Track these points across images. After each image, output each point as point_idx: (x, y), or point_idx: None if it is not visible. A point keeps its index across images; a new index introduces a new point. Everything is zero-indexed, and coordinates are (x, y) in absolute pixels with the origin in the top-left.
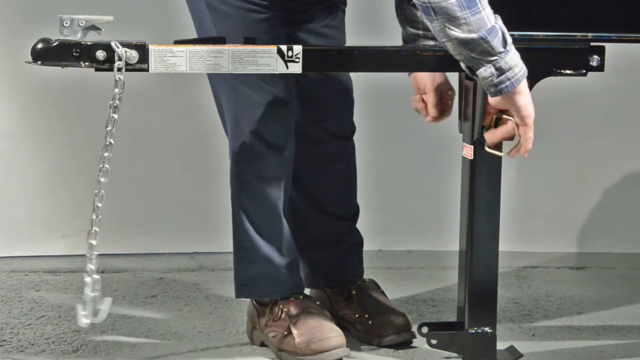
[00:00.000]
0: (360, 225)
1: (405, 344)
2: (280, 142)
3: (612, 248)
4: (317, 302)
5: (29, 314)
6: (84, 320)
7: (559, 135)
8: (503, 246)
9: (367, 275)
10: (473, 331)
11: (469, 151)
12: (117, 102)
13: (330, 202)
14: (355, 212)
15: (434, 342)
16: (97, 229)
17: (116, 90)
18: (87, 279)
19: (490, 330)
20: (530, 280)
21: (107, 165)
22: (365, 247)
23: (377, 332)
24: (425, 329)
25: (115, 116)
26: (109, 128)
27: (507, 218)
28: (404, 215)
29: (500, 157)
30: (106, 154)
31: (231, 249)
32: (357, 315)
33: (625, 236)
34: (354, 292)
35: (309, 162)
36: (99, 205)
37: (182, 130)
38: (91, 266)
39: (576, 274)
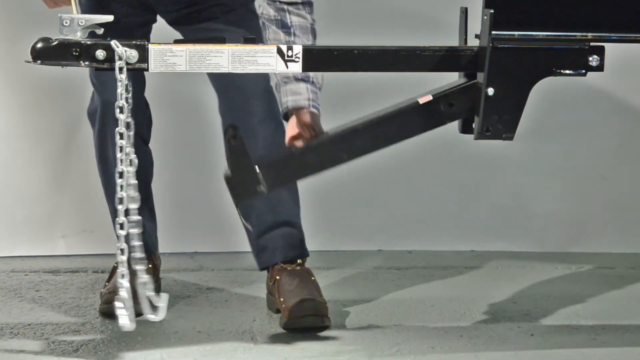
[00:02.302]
0: (360, 225)
1: (318, 329)
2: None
3: (611, 248)
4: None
5: (29, 314)
6: (150, 317)
7: (558, 135)
8: (503, 246)
9: (367, 274)
10: None
11: (425, 99)
12: (123, 102)
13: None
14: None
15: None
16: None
17: (119, 90)
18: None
19: None
20: (529, 280)
21: (127, 167)
22: (365, 247)
23: (287, 314)
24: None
25: (122, 116)
26: (117, 129)
27: (507, 218)
28: (404, 215)
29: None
30: (119, 155)
31: (231, 249)
32: (279, 298)
33: (625, 236)
34: (277, 278)
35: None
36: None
37: (182, 130)
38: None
39: (576, 274)
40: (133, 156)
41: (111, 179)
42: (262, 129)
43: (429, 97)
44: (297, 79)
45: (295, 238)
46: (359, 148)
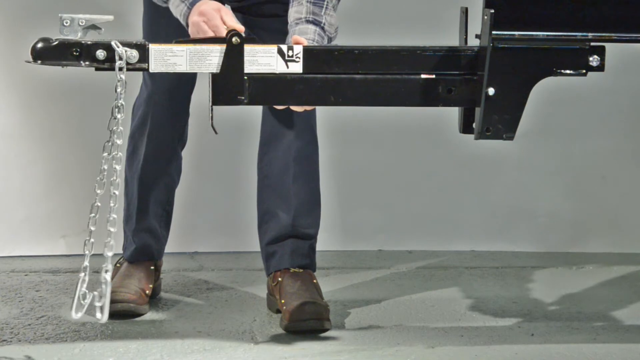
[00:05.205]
0: (360, 225)
1: (317, 331)
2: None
3: (612, 248)
4: (152, 267)
5: (29, 314)
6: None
7: (559, 135)
8: (503, 246)
9: (367, 274)
10: None
11: (428, 76)
12: (122, 101)
13: (272, 186)
14: (295, 206)
15: None
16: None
17: (119, 90)
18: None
19: None
20: (530, 280)
21: (117, 166)
22: (365, 247)
23: (287, 317)
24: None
25: (120, 116)
26: (114, 128)
27: (507, 218)
28: (404, 215)
29: None
30: (114, 153)
31: (231, 249)
32: (280, 300)
33: (625, 236)
34: (280, 279)
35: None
36: (113, 205)
37: None
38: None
39: (575, 274)
40: (120, 154)
41: (134, 175)
42: (295, 140)
43: (433, 75)
44: (308, 21)
45: (306, 249)
46: (349, 97)
